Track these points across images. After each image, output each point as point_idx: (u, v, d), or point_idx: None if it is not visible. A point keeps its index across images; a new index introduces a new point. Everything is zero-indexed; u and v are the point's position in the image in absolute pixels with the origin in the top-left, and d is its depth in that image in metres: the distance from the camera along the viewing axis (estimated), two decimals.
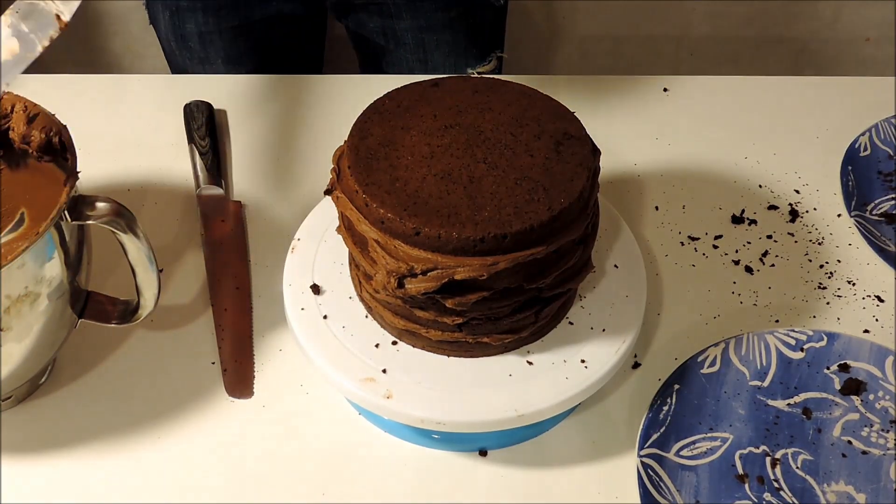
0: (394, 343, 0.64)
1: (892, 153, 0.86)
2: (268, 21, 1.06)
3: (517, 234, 0.56)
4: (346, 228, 0.62)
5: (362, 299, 0.66)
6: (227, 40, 1.06)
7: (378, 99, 0.64)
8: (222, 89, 0.93)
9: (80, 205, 0.61)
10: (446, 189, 0.58)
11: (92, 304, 0.68)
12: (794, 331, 0.72)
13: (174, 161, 0.87)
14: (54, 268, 0.61)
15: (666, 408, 0.68)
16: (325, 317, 0.65)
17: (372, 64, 1.14)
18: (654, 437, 0.66)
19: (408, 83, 0.65)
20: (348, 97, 0.94)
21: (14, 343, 0.62)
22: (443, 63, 1.08)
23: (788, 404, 0.69)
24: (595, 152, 0.62)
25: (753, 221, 0.82)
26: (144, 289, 0.66)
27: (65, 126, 0.64)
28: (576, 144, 0.61)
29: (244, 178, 0.85)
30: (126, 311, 0.68)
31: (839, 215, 0.83)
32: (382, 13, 1.05)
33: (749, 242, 0.81)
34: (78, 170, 0.61)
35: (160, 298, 0.67)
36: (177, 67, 1.12)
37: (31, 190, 0.66)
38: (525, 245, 0.57)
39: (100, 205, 0.61)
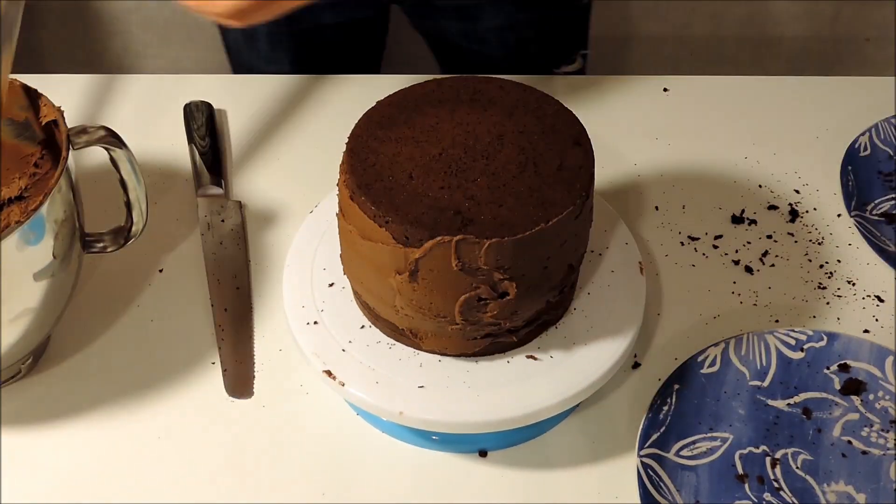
0: (390, 347, 0.64)
1: (892, 153, 0.86)
2: (337, 25, 1.06)
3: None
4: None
5: (415, 337, 0.65)
6: (297, 43, 1.05)
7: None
8: (222, 89, 0.93)
9: (71, 134, 0.65)
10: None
11: (87, 242, 0.71)
12: (794, 331, 0.72)
13: (174, 161, 0.86)
14: (72, 197, 0.65)
15: (666, 408, 0.68)
16: (378, 371, 0.64)
17: (452, 63, 1.12)
18: (654, 437, 0.66)
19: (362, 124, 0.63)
20: (348, 97, 0.94)
21: (63, 273, 0.66)
22: (526, 63, 1.04)
23: (788, 404, 0.69)
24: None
25: (753, 221, 0.82)
26: (135, 204, 0.70)
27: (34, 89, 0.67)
28: (545, 100, 0.63)
29: (244, 178, 0.85)
30: (118, 237, 0.72)
31: (839, 215, 0.83)
32: (462, 16, 1.02)
33: (749, 242, 0.81)
34: (62, 108, 0.66)
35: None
36: (242, 66, 1.11)
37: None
38: None
39: (91, 129, 0.66)
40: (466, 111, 0.62)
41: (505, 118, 0.62)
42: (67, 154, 0.63)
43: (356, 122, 0.63)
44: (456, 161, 0.59)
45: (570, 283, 0.64)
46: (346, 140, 0.62)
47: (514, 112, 0.62)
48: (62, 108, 0.66)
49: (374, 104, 0.64)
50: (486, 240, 0.56)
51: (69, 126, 0.65)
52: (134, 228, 0.71)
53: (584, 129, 0.62)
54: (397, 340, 0.64)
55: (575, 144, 0.61)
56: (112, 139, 0.67)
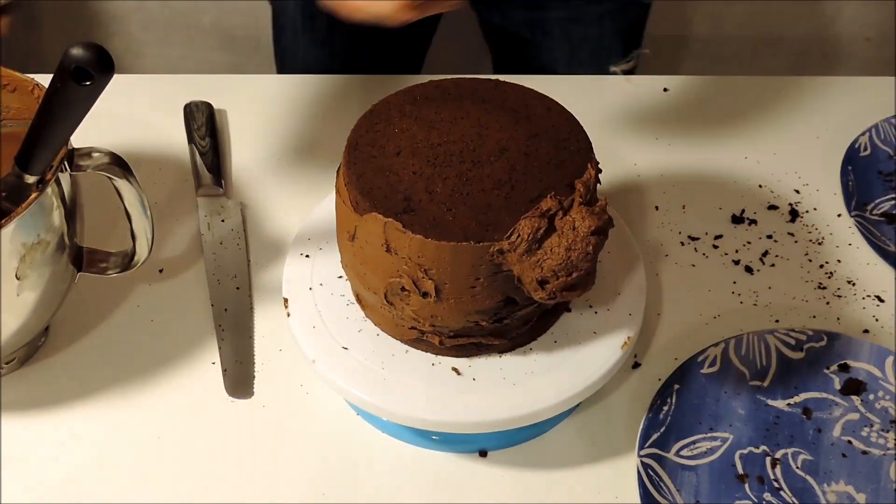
0: (347, 304, 0.65)
1: (892, 153, 0.86)
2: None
3: None
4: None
5: (360, 303, 0.66)
6: (349, 31, 1.04)
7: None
8: (222, 89, 0.93)
9: (76, 157, 0.63)
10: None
11: (89, 259, 0.70)
12: (794, 331, 0.72)
13: (174, 161, 0.86)
14: (57, 219, 0.64)
15: (666, 408, 0.68)
16: (322, 316, 0.65)
17: (511, 58, 1.11)
18: (654, 437, 0.66)
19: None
20: (349, 97, 0.94)
21: (30, 291, 0.64)
22: (588, 58, 1.05)
23: (788, 404, 0.69)
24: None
25: (753, 221, 0.82)
26: (139, 234, 0.68)
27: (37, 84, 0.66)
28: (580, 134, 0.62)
29: (244, 178, 0.85)
30: (123, 261, 0.71)
31: (839, 215, 0.83)
32: (529, 5, 1.03)
33: (749, 242, 0.81)
34: None
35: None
36: (289, 49, 1.09)
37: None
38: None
39: (96, 154, 0.64)
40: (498, 116, 0.61)
41: (530, 138, 0.60)
42: (46, 183, 0.60)
43: (386, 96, 0.63)
44: (446, 155, 0.59)
45: (512, 315, 0.61)
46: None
47: (540, 135, 0.60)
48: None
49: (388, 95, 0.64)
50: (411, 232, 0.56)
51: (76, 145, 0.64)
52: (136, 258, 0.70)
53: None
54: (356, 300, 0.66)
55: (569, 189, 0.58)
56: (116, 168, 0.64)
